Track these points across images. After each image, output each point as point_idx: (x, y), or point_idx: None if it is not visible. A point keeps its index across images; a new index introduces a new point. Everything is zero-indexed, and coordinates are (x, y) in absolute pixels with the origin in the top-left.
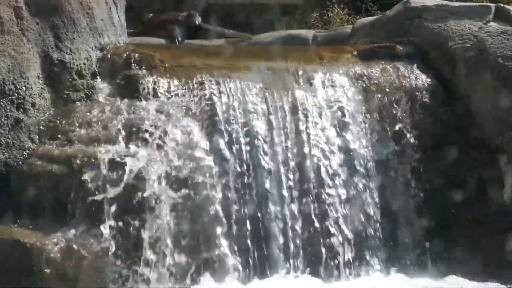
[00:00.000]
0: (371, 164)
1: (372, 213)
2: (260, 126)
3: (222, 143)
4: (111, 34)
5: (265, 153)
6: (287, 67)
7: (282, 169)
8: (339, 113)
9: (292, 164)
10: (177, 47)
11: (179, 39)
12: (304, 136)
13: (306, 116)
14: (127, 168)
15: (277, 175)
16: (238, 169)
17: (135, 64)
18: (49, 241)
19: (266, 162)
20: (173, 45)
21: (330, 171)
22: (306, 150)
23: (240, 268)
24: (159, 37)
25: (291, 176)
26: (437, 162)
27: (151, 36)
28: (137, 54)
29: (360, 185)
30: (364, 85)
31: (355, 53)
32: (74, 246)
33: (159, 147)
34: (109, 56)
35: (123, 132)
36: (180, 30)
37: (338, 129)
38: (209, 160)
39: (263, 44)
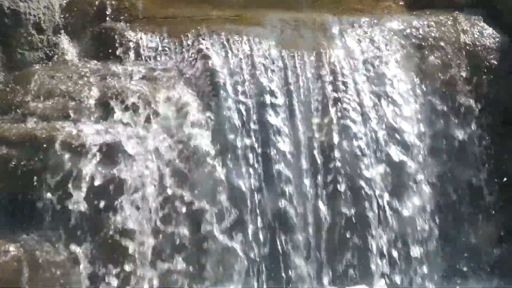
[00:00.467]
0: (425, 147)
1: (424, 211)
2: (276, 96)
3: (225, 119)
4: None
5: (282, 132)
6: (312, 19)
7: (304, 153)
8: (382, 80)
9: (316, 146)
10: None
11: None
12: (334, 110)
13: (337, 84)
14: (103, 151)
15: (296, 161)
16: (247, 154)
17: (111, 15)
18: (1, 248)
19: (282, 145)
20: None
21: (368, 156)
22: (336, 127)
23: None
24: None
25: (315, 161)
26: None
27: None
28: (113, 1)
29: (409, 174)
30: (413, 42)
31: (401, 0)
32: (35, 254)
33: (143, 123)
34: (76, 3)
35: (96, 104)
36: None
37: (380, 100)
38: (208, 141)
39: None
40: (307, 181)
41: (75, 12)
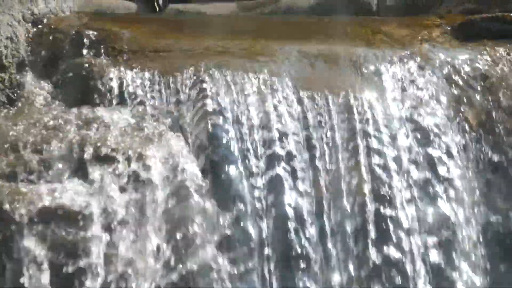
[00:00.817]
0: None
1: None
2: (293, 150)
3: (229, 182)
4: None
5: (302, 193)
6: (337, 54)
7: (327, 226)
8: (423, 129)
9: (345, 210)
10: (157, 18)
11: (161, 2)
12: (366, 168)
13: (368, 135)
14: (79, 219)
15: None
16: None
17: (90, 48)
18: None
19: (308, 219)
20: (151, 14)
21: (405, 226)
22: (367, 189)
23: None
24: None
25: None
26: None
27: None
28: (92, 32)
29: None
30: (462, 83)
31: (448, 29)
32: None
33: (129, 186)
34: (47, 34)
35: (70, 160)
36: None
37: (420, 155)
38: (210, 213)
39: (298, 11)
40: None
41: (45, 45)
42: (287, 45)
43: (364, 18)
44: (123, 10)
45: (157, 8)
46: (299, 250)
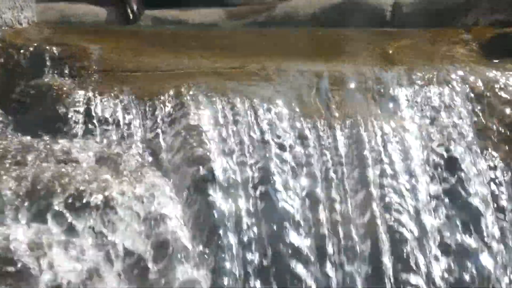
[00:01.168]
0: None
1: None
2: (294, 192)
3: (217, 225)
4: (4, 7)
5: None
6: (344, 75)
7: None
8: (444, 160)
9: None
10: (131, 30)
11: (135, 8)
12: (379, 211)
13: (383, 171)
14: (43, 277)
15: None
16: None
17: (52, 67)
18: None
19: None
20: (124, 24)
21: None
22: (383, 238)
23: None
24: (97, 5)
25: None
26: None
27: (83, 1)
28: (55, 48)
29: None
30: (490, 110)
31: (475, 44)
32: None
33: (100, 230)
34: (1, 50)
35: (30, 202)
36: None
37: (443, 195)
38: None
39: (298, 20)
40: None
41: None
42: (288, 64)
43: (377, 30)
44: (91, 18)
45: (132, 16)
46: None
